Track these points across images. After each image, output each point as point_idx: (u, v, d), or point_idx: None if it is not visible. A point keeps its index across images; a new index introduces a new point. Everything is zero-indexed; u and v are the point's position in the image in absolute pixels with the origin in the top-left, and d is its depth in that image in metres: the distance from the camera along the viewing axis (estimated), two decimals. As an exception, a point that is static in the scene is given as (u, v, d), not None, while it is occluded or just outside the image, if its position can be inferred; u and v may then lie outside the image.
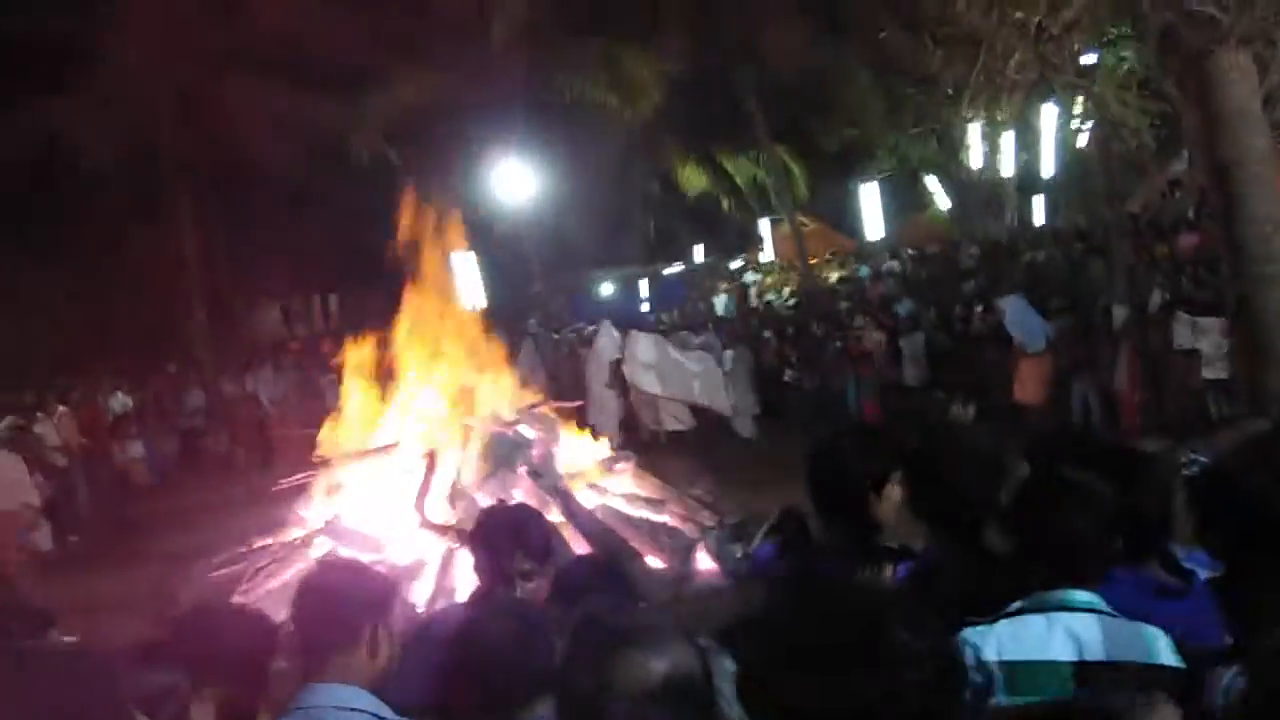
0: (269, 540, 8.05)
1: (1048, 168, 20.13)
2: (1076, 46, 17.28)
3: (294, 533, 7.95)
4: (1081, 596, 2.24)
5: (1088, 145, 15.55)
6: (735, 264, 27.65)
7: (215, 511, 11.33)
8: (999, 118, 21.52)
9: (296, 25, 15.91)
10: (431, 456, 8.11)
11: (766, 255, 26.27)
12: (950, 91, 21.11)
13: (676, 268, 27.82)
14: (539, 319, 17.15)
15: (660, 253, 27.31)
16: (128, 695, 1.86)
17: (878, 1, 18.20)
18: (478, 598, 3.00)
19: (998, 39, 17.14)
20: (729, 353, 15.10)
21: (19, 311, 18.18)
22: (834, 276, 23.83)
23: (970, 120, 21.49)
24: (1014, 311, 11.65)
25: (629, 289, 26.81)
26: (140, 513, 12.11)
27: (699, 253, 27.56)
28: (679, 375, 14.10)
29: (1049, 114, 19.49)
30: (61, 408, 12.53)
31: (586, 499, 8.53)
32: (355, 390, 9.51)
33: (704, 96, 21.38)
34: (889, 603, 1.52)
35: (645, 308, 25.27)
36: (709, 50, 20.28)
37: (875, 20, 19.24)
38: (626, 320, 21.45)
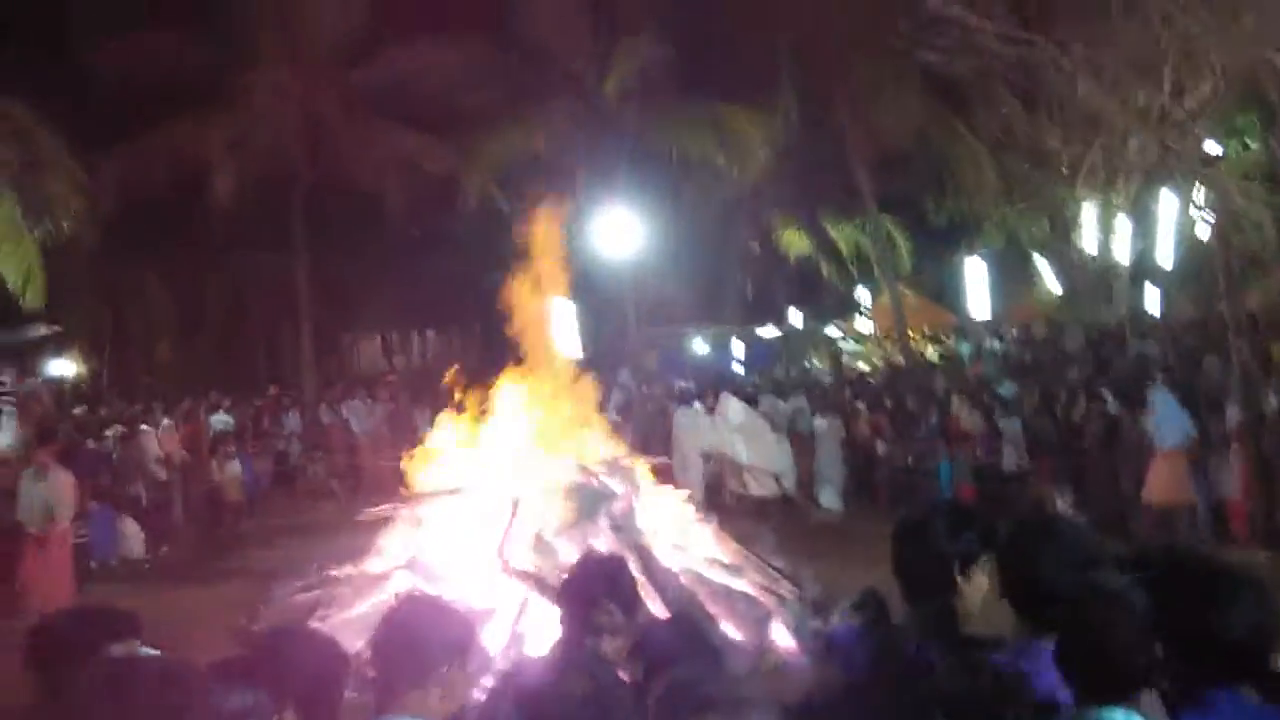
0: (350, 569, 8.15)
1: (1164, 256, 19.49)
2: (1200, 134, 16.86)
3: (374, 564, 8.03)
4: (1118, 715, 2.13)
5: (1209, 237, 15.04)
6: (832, 331, 27.40)
7: (302, 534, 11.57)
8: (1115, 200, 21.14)
9: (420, 71, 16.53)
10: (515, 503, 8.13)
11: (864, 325, 25.97)
12: (1066, 170, 20.85)
13: (771, 330, 27.69)
14: (631, 372, 17.20)
15: (756, 314, 27.20)
16: (213, 712, 1.87)
17: (998, 76, 18.04)
18: (558, 650, 2.95)
19: (1118, 121, 16.80)
20: (820, 421, 14.91)
21: (139, 327, 19.07)
22: (933, 352, 23.40)
23: (1084, 201, 21.12)
24: (1159, 404, 10.93)
25: (722, 348, 26.75)
26: (231, 529, 12.43)
27: (796, 317, 27.39)
28: (764, 442, 13.97)
29: (1168, 201, 18.94)
30: (166, 421, 13.00)
31: (666, 558, 8.46)
32: (446, 427, 9.64)
33: (812, 160, 21.38)
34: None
35: (738, 368, 25.19)
36: (821, 116, 20.32)
37: (994, 95, 19.08)
38: (717, 379, 21.50)
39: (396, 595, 5.94)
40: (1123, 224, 21.60)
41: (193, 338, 19.54)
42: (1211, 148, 16.29)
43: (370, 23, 16.21)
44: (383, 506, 8.71)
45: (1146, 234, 21.39)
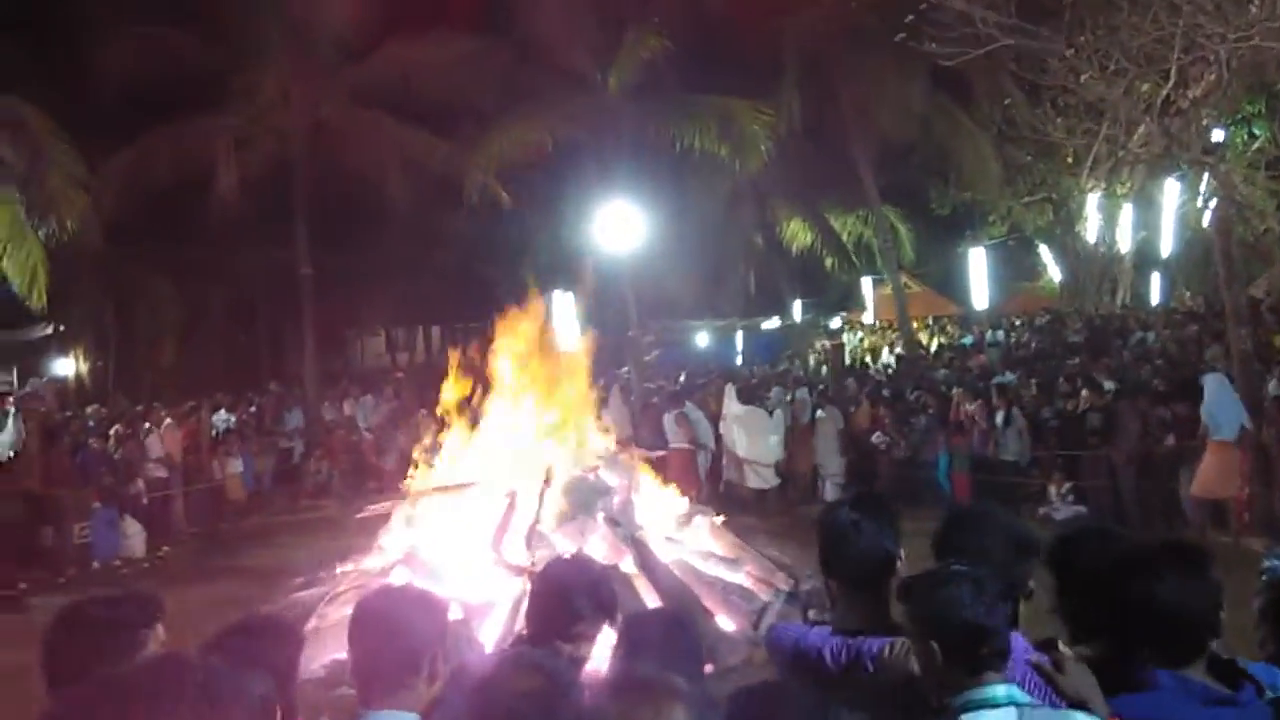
0: (349, 566, 8.21)
1: (1167, 245, 19.47)
2: (1205, 122, 16.81)
3: (373, 561, 8.09)
4: (999, 691, 2.17)
5: (1210, 225, 15.01)
6: (835, 322, 27.38)
7: (304, 532, 11.63)
8: (1119, 191, 21.09)
9: (422, 68, 16.54)
10: (512, 496, 8.18)
11: (867, 315, 25.96)
12: (1070, 160, 20.80)
13: (774, 322, 27.68)
14: (631, 366, 17.23)
15: (759, 306, 27.20)
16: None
17: (1001, 67, 17.98)
18: (514, 647, 2.95)
19: (1121, 111, 16.76)
20: (820, 413, 14.94)
21: (143, 327, 19.14)
22: (935, 342, 23.38)
23: (1089, 191, 21.06)
24: (1212, 392, 10.58)
25: (725, 340, 26.76)
26: (232, 527, 12.50)
27: (799, 308, 27.40)
28: (763, 434, 14.02)
29: (1171, 190, 18.88)
30: (168, 420, 13.08)
31: (662, 552, 8.50)
32: (446, 423, 9.68)
33: (815, 153, 21.35)
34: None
35: (739, 360, 25.18)
36: (823, 108, 20.28)
37: (998, 85, 19.01)
38: (720, 371, 21.51)
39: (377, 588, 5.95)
40: (1126, 214, 21.59)
41: (197, 337, 19.60)
42: (1217, 135, 16.24)
43: (373, 20, 16.20)
44: (381, 504, 8.76)
45: (1150, 223, 21.37)
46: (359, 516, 8.68)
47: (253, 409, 16.06)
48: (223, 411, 14.83)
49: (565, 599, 2.86)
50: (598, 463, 9.19)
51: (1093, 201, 21.18)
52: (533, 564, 7.64)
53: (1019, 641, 2.38)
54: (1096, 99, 17.23)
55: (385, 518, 8.49)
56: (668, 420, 14.15)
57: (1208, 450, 10.36)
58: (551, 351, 10.71)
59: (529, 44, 18.05)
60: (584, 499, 8.46)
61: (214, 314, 20.04)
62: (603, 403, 14.85)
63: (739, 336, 26.70)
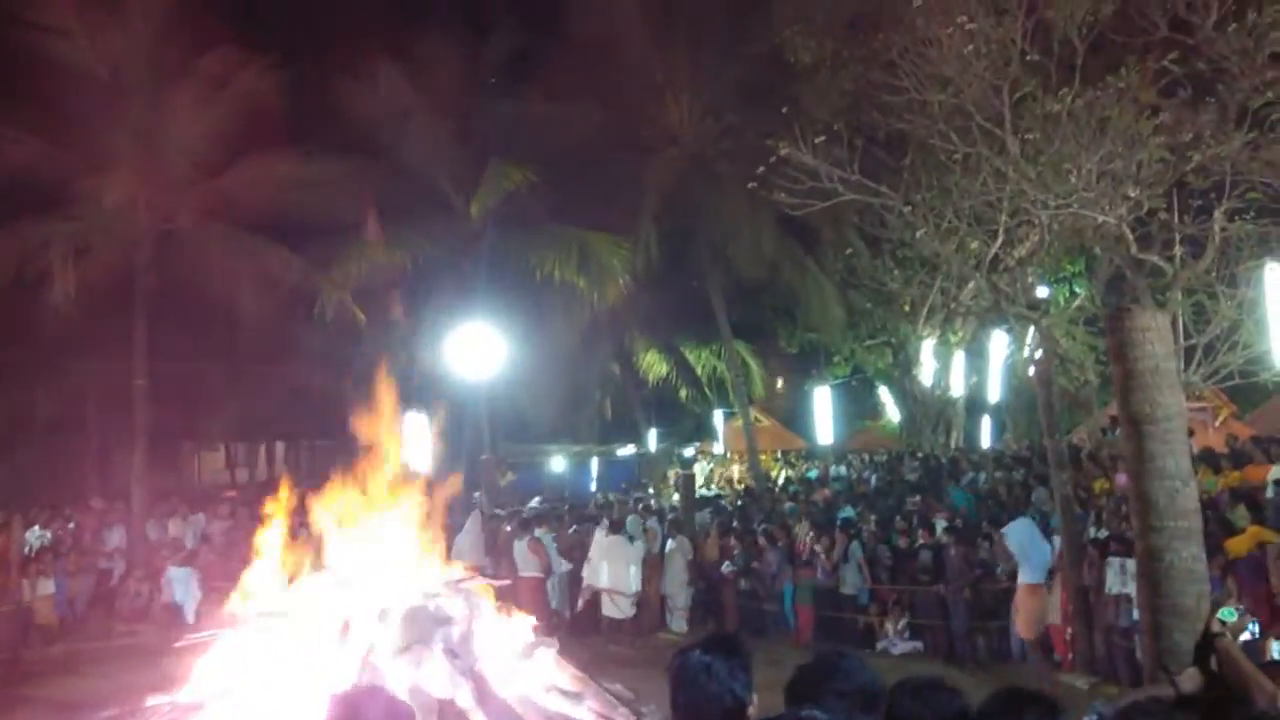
0: (161, 698, 7.65)
1: (995, 392, 20.73)
2: (1030, 279, 18.14)
3: (187, 693, 7.56)
4: None
5: (1033, 375, 16.10)
6: (689, 451, 27.83)
7: (118, 660, 10.80)
8: (952, 339, 22.45)
9: (279, 183, 16.44)
10: (346, 625, 7.85)
11: (719, 446, 26.49)
12: (907, 309, 22.08)
13: (630, 449, 27.95)
14: (484, 491, 17.01)
15: (615, 433, 27.46)
16: None
17: (845, 219, 19.15)
18: None
19: (953, 266, 17.97)
20: (670, 542, 15.02)
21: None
22: (783, 475, 23.97)
23: (924, 338, 22.36)
24: (1018, 535, 11.22)
25: (580, 466, 26.80)
26: (39, 654, 11.50)
27: (654, 437, 27.79)
28: (623, 564, 14.03)
29: (999, 340, 20.27)
30: (-28, 537, 12.09)
31: (503, 684, 8.26)
32: (279, 546, 9.27)
33: (671, 287, 22.10)
34: None
35: (594, 486, 25.21)
36: (680, 247, 21.09)
37: (842, 235, 20.22)
38: (574, 497, 21.45)
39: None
40: (959, 360, 22.99)
41: (19, 446, 18.35)
42: (1042, 292, 17.59)
43: (230, 134, 16.09)
44: (202, 631, 8.25)
45: (981, 370, 22.78)
46: (176, 645, 8.13)
47: (70, 525, 15.01)
48: (37, 528, 13.81)
49: None
50: (440, 590, 8.94)
51: (928, 347, 22.49)
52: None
53: None
54: (931, 254, 18.56)
55: (204, 647, 7.98)
56: (519, 547, 13.97)
57: (1018, 592, 10.94)
58: (401, 474, 10.51)
59: (393, 166, 18.25)
60: (422, 629, 8.19)
61: (38, 423, 18.84)
62: (457, 528, 14.62)
63: (594, 462, 26.79)
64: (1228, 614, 3.81)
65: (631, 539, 14.45)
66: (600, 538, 14.16)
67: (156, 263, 16.06)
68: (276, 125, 16.75)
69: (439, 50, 19.53)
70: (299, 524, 9.88)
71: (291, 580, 8.97)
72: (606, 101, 19.80)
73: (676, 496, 18.82)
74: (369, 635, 7.97)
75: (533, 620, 9.47)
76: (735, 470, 25.01)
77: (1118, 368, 4.62)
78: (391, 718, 2.66)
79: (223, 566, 12.02)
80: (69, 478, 18.70)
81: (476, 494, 16.34)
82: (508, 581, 11.43)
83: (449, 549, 11.34)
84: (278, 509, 9.40)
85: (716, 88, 20.11)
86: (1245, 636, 4.86)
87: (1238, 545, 9.83)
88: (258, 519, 13.38)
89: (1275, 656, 4.03)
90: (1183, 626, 3.97)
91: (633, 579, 13.96)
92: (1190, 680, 3.59)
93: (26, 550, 12.87)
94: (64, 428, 19.35)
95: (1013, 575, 11.28)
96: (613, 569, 13.83)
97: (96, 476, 19.32)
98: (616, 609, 13.91)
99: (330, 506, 9.43)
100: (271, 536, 9.34)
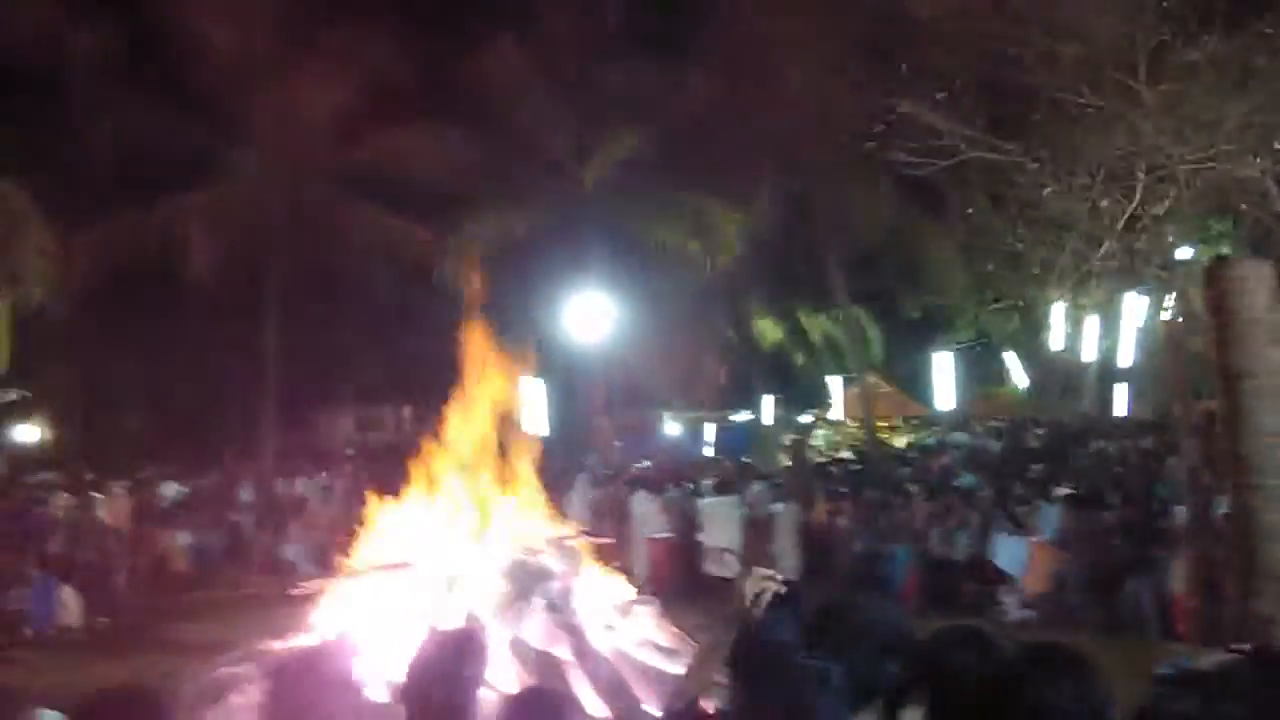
0: (279, 644, 8.06)
1: (1126, 356, 19.77)
2: (1170, 239, 17.18)
3: (303, 640, 7.95)
4: None
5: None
6: (805, 418, 27.52)
7: (248, 608, 11.42)
8: (1083, 301, 21.49)
9: (404, 156, 16.92)
10: (450, 580, 8.11)
11: (836, 413, 26.10)
12: (1036, 271, 21.26)
13: (745, 416, 27.81)
14: (597, 453, 17.28)
15: (730, 399, 27.36)
16: None
17: (968, 179, 18.51)
18: None
19: (1085, 225, 17.15)
20: (778, 507, 14.99)
21: (109, 396, 19.05)
22: (902, 442, 23.51)
23: (1054, 301, 21.45)
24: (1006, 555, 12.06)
25: (695, 432, 26.82)
26: (174, 601, 12.28)
27: (769, 403, 27.57)
28: (731, 525, 14.15)
29: (1132, 302, 19.26)
30: (117, 489, 12.95)
31: (600, 639, 8.40)
32: (399, 504, 9.63)
33: (787, 253, 21.78)
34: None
35: (711, 451, 25.19)
36: (796, 212, 20.76)
37: (967, 196, 19.54)
38: (688, 462, 21.50)
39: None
40: (1091, 324, 21.96)
41: (163, 408, 19.55)
42: (1185, 253, 16.66)
43: (357, 108, 16.62)
44: (319, 581, 8.66)
45: (1114, 333, 21.71)
46: (292, 593, 8.56)
47: (205, 482, 15.95)
48: (174, 484, 14.71)
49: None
50: (543, 547, 9.14)
51: (1058, 311, 21.56)
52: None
53: None
54: (1061, 213, 17.77)
55: (315, 597, 8.38)
56: (648, 507, 14.22)
57: None
58: (514, 435, 10.75)
59: (509, 134, 18.49)
60: (524, 584, 8.39)
61: (181, 388, 20.00)
62: (569, 489, 14.97)
63: (709, 429, 26.76)
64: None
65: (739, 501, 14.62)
66: (708, 500, 14.27)
67: (288, 235, 16.77)
68: (398, 97, 17.22)
69: (556, 17, 19.65)
70: (419, 483, 10.21)
71: (405, 536, 9.33)
72: (723, 65, 19.56)
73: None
74: (474, 588, 8.22)
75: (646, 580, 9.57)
76: (851, 436, 24.67)
77: (1215, 320, 4.37)
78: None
79: (342, 522, 12.56)
80: (208, 438, 19.79)
81: (591, 456, 16.60)
82: (610, 539, 11.60)
83: (559, 508, 11.61)
84: (406, 468, 9.78)
85: (836, 46, 19.62)
86: None
87: None
88: (378, 477, 13.98)
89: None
90: (1273, 592, 3.74)
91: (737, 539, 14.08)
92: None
93: (165, 504, 13.73)
94: (204, 391, 20.45)
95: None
96: (723, 528, 14.00)
97: (234, 437, 20.40)
98: (726, 568, 14.08)
99: (444, 466, 9.75)
100: (388, 494, 9.74)
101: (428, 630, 3.12)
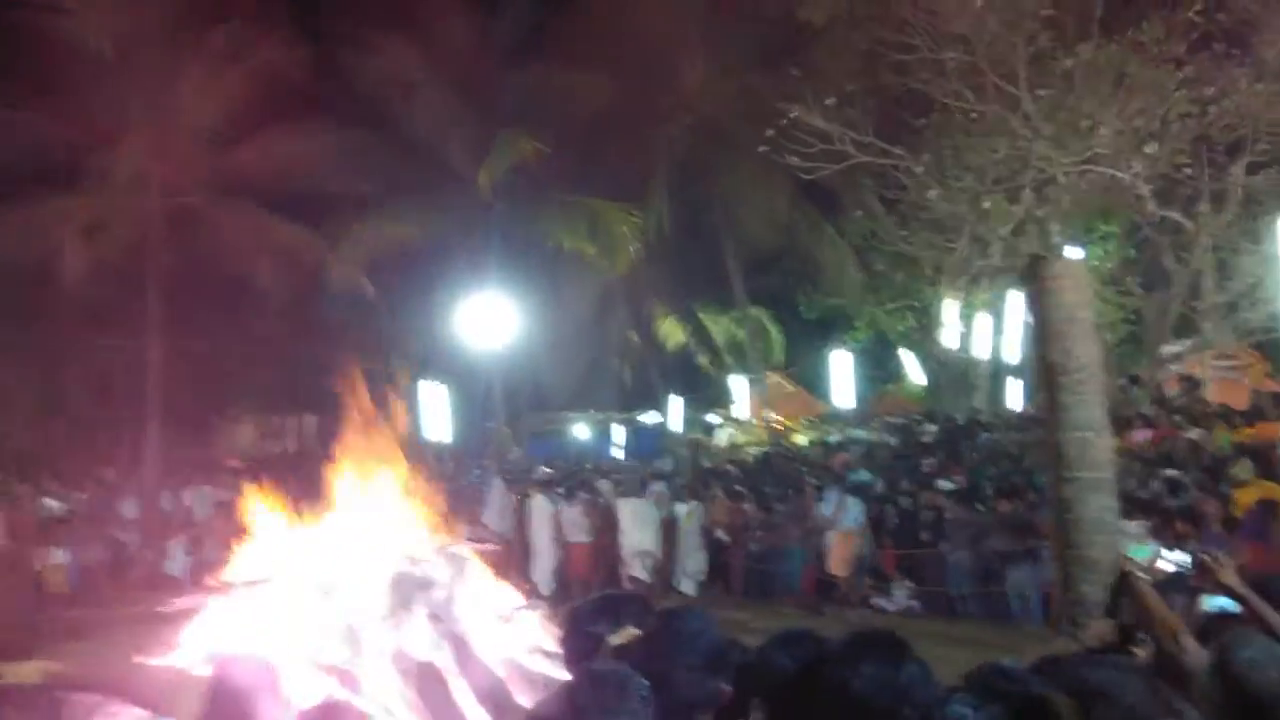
0: (150, 661, 7.81)
1: (1013, 352, 20.44)
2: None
3: (173, 659, 7.72)
4: None
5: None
6: (712, 418, 27.73)
7: (124, 627, 11.05)
8: (975, 300, 22.10)
9: (292, 158, 16.57)
10: (328, 592, 7.95)
11: (742, 413, 26.37)
12: (929, 272, 21.78)
13: (654, 417, 27.93)
14: (495, 458, 17.19)
15: (635, 401, 27.46)
16: None
17: (860, 181, 18.93)
18: None
19: (970, 227, 17.68)
20: (680, 506, 15.11)
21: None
22: (804, 440, 23.85)
23: (947, 299, 22.05)
24: (827, 505, 13.36)
25: (603, 434, 26.85)
26: (44, 621, 11.82)
27: (676, 405, 27.72)
28: (651, 527, 14.48)
29: (1018, 300, 19.90)
30: (-10, 507, 12.43)
31: (486, 648, 8.33)
32: (278, 515, 9.41)
33: (687, 254, 21.98)
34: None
35: (619, 454, 25.23)
36: (695, 215, 20.98)
37: (860, 199, 20.00)
38: (596, 466, 21.51)
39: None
40: (983, 321, 22.63)
41: (37, 422, 18.79)
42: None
43: (241, 107, 16.21)
44: (191, 598, 8.40)
45: (1005, 331, 22.39)
46: (162, 611, 8.29)
47: (86, 496, 15.39)
48: (50, 499, 14.18)
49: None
50: (429, 556, 9.03)
51: (951, 310, 22.17)
52: (344, 664, 7.42)
53: None
54: (947, 215, 18.28)
55: (191, 614, 8.12)
56: (559, 511, 14.47)
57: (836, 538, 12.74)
58: (409, 443, 10.58)
59: (403, 138, 18.29)
60: (406, 594, 8.27)
61: (56, 398, 19.26)
62: (480, 496, 14.89)
63: (618, 431, 26.80)
64: (1140, 552, 3.74)
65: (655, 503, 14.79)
66: (626, 503, 14.58)
67: (170, 238, 16.29)
68: (287, 98, 16.85)
69: (449, 21, 19.51)
70: (301, 493, 9.98)
71: (286, 549, 9.12)
72: (618, 69, 19.66)
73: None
74: (352, 601, 8.07)
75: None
76: (753, 436, 24.95)
77: (1034, 316, 4.57)
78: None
79: (228, 535, 12.25)
80: (87, 452, 19.09)
81: (483, 462, 16.50)
82: (499, 547, 11.53)
83: (452, 515, 11.50)
84: (282, 479, 9.55)
85: (729, 51, 19.88)
86: (1167, 566, 4.80)
87: (1244, 497, 9.75)
88: (266, 489, 13.64)
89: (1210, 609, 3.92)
90: (1091, 578, 3.94)
91: (655, 541, 14.38)
92: (1097, 633, 3.53)
93: (42, 520, 13.21)
94: (83, 403, 19.73)
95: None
96: (644, 532, 14.31)
97: (116, 450, 19.71)
98: (644, 570, 14.23)
99: (332, 476, 9.57)
100: (271, 506, 9.51)
101: (217, 660, 3.06)
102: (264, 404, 26.07)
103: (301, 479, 9.73)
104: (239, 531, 10.67)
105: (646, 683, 2.33)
